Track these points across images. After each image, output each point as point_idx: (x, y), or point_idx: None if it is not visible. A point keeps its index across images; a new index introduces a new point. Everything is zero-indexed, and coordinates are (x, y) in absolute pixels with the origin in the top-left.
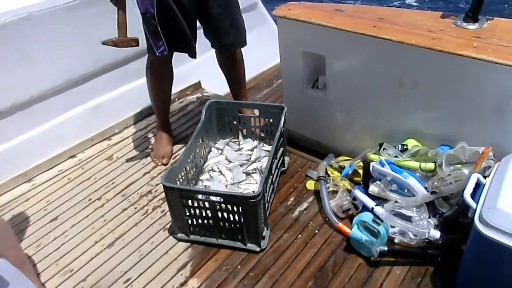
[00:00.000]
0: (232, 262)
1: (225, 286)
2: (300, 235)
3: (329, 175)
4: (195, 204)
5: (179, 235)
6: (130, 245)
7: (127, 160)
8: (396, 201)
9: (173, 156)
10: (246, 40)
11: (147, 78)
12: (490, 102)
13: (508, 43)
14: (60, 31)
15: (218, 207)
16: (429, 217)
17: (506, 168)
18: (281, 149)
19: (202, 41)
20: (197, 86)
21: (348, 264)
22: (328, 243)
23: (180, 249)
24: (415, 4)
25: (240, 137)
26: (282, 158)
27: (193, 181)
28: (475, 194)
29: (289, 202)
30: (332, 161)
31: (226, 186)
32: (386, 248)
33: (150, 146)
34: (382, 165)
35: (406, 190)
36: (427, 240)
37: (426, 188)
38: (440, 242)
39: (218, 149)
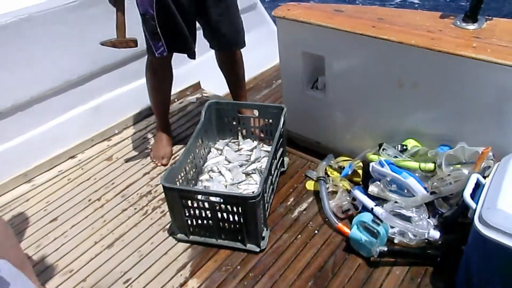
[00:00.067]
0: (231, 262)
1: (225, 286)
2: (299, 236)
3: (328, 176)
4: (195, 205)
5: (179, 235)
6: (130, 245)
7: (127, 161)
8: (396, 202)
9: (172, 157)
10: (244, 41)
11: (147, 79)
12: (489, 102)
13: (507, 43)
14: (60, 31)
15: (217, 207)
16: (428, 218)
17: (506, 168)
18: (281, 149)
19: (201, 42)
20: (196, 87)
21: (348, 264)
22: (328, 243)
23: (180, 250)
24: (417, 1)
25: (240, 137)
26: (281, 158)
27: (193, 182)
28: (474, 194)
29: (289, 203)
30: (332, 162)
31: (226, 186)
32: (385, 249)
33: (150, 147)
34: (382, 166)
35: (405, 191)
36: (426, 241)
37: (425, 188)
38: (439, 242)
39: (217, 149)
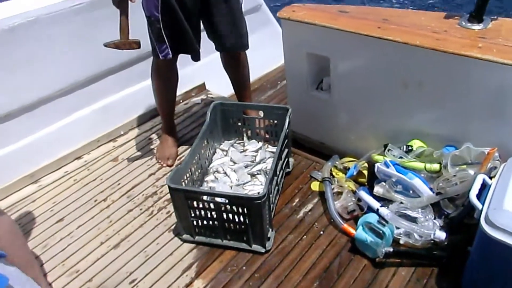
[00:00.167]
0: (237, 263)
1: (230, 287)
2: (305, 236)
3: (333, 176)
4: (200, 205)
5: (184, 236)
6: (136, 246)
7: (133, 162)
8: (401, 202)
9: (178, 158)
10: (248, 43)
11: (152, 80)
12: (495, 103)
13: None
14: (67, 33)
15: (223, 208)
16: (434, 218)
17: None
18: (286, 150)
19: (206, 43)
20: (201, 88)
21: (353, 265)
22: (333, 244)
23: (185, 250)
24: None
25: (245, 138)
26: (286, 159)
27: (198, 183)
28: (480, 195)
29: (294, 203)
30: (337, 162)
31: (231, 187)
32: (391, 249)
33: (155, 148)
34: (387, 166)
35: (411, 191)
36: (432, 241)
37: (431, 189)
38: (445, 243)
39: (223, 150)
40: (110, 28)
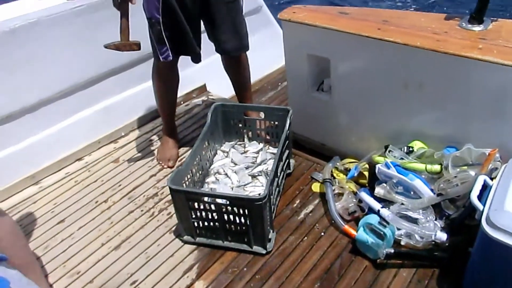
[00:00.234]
0: (238, 264)
1: None
2: (306, 238)
3: (334, 178)
4: (201, 207)
5: (185, 237)
6: (137, 247)
7: (134, 163)
8: (402, 203)
9: (179, 159)
10: (248, 44)
11: (153, 82)
12: (496, 104)
13: None
14: (68, 35)
15: (224, 209)
16: (435, 219)
17: None
18: (287, 151)
19: (206, 44)
20: (202, 89)
21: (354, 266)
22: (334, 245)
23: (186, 252)
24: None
25: (246, 139)
26: (287, 160)
27: (199, 184)
28: (481, 196)
29: (295, 205)
30: (338, 164)
31: (232, 188)
32: (392, 251)
33: (156, 149)
34: (388, 167)
35: (412, 192)
36: (433, 243)
37: (432, 190)
38: (446, 244)
39: (223, 151)
40: (111, 30)
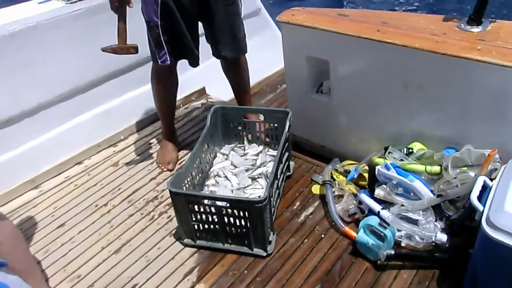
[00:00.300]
0: (238, 267)
1: None
2: (306, 240)
3: (334, 179)
4: (201, 209)
5: (186, 240)
6: (137, 250)
7: (133, 166)
8: (402, 205)
9: (178, 162)
10: (246, 47)
11: (152, 85)
12: (495, 104)
13: None
14: (67, 39)
15: (224, 212)
16: (435, 220)
17: None
18: (286, 153)
19: (206, 47)
20: (201, 92)
21: (355, 268)
22: (335, 247)
23: (187, 255)
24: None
25: (245, 142)
26: (287, 162)
27: (199, 187)
28: (481, 197)
29: (295, 207)
30: (337, 165)
31: (232, 191)
32: (392, 252)
33: (156, 152)
34: (388, 169)
35: (412, 194)
36: (434, 244)
37: (432, 191)
38: (447, 245)
39: (223, 154)
40: (109, 33)
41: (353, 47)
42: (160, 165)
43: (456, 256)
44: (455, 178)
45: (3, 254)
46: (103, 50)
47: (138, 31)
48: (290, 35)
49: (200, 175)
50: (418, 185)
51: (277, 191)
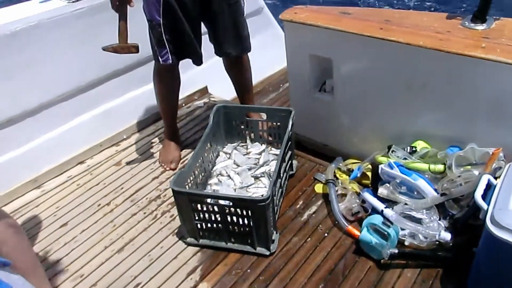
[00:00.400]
0: (241, 266)
1: None
2: (309, 239)
3: (337, 178)
4: (204, 208)
5: (189, 239)
6: (140, 250)
7: (136, 166)
8: (406, 203)
9: (181, 161)
10: (249, 45)
11: (154, 84)
12: (499, 103)
13: None
14: (68, 38)
15: (227, 211)
16: (439, 219)
17: None
18: (289, 152)
19: (208, 46)
20: (204, 91)
21: (358, 267)
22: (338, 246)
23: (190, 254)
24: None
25: (248, 141)
26: (290, 161)
27: (202, 186)
28: (486, 196)
29: (298, 206)
30: (341, 164)
31: (235, 190)
32: (396, 251)
33: (158, 152)
34: (391, 168)
35: (415, 192)
36: (437, 242)
37: (436, 190)
38: (451, 244)
39: (226, 153)
40: (111, 32)
41: (356, 45)
42: (163, 164)
43: (460, 255)
44: (459, 176)
45: (6, 253)
46: (104, 49)
47: (139, 30)
48: (293, 33)
49: (202, 174)
50: (421, 183)
51: (280, 190)
